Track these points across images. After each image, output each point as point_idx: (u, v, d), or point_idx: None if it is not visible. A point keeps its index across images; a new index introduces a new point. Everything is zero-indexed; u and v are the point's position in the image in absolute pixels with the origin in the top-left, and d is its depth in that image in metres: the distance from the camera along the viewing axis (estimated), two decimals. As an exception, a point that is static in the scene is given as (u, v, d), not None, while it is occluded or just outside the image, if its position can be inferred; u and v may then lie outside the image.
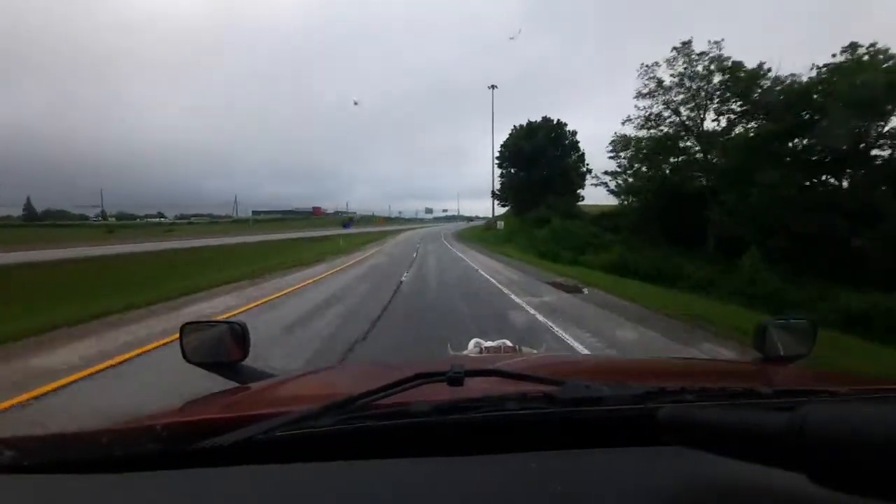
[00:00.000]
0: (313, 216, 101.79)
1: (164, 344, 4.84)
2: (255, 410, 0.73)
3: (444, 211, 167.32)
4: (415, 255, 19.91)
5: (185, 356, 1.16)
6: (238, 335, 1.17)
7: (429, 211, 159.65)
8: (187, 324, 1.22)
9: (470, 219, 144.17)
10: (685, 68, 21.87)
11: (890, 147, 16.08)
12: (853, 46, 17.04)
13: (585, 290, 9.68)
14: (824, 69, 17.41)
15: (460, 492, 0.49)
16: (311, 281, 10.75)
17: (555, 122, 39.42)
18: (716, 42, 20.75)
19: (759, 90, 19.69)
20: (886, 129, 15.83)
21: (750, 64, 20.11)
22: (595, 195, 49.93)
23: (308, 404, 0.60)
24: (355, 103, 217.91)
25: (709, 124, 22.05)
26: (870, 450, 0.30)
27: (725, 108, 21.30)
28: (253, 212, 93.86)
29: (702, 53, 21.22)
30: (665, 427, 0.48)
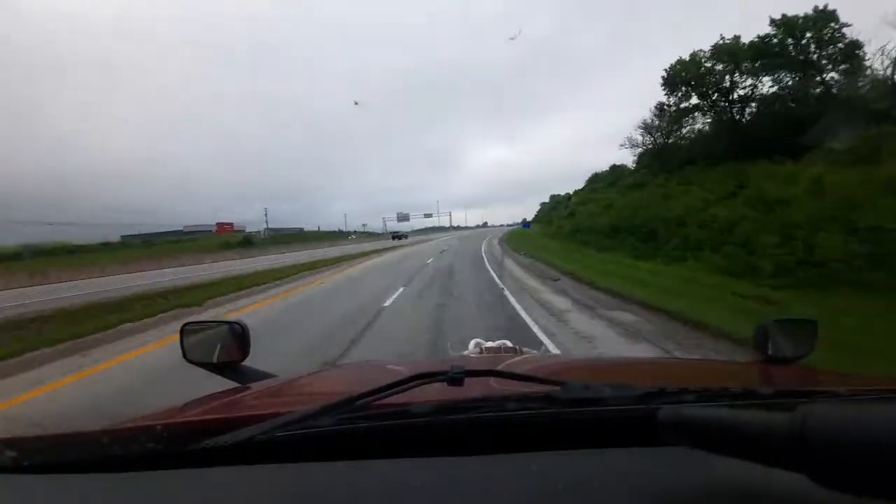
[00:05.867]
0: (217, 235, 70.61)
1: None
2: (255, 411, 0.74)
3: (427, 216, 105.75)
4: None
5: (185, 356, 1.16)
6: (238, 335, 1.17)
7: (403, 218, 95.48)
8: (187, 324, 1.22)
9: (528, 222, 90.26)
10: None
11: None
12: None
13: None
14: None
15: (461, 492, 0.49)
16: None
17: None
18: None
19: None
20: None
21: None
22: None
23: (308, 404, 0.60)
24: (356, 103, 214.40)
25: None
26: (870, 450, 0.30)
27: None
28: (123, 236, 63.54)
29: None
30: (665, 427, 0.48)
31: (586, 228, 22.37)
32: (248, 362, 1.18)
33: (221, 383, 1.10)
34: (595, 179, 42.06)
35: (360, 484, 0.51)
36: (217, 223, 75.82)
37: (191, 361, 1.15)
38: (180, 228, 76.31)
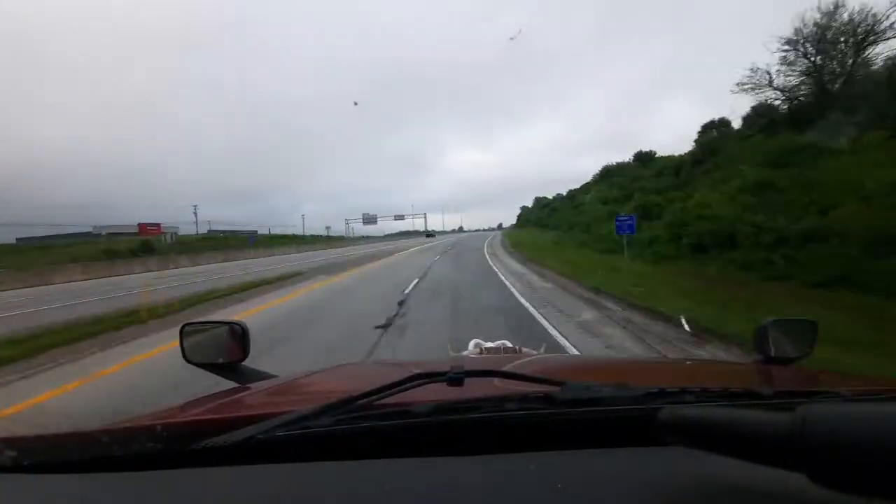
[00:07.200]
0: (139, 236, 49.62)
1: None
2: (255, 410, 0.74)
3: (399, 218, 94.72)
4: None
5: (185, 356, 1.16)
6: (238, 336, 1.18)
7: (369, 220, 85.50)
8: (187, 324, 1.22)
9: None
10: None
11: None
12: None
13: None
14: None
15: (460, 492, 0.49)
16: None
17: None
18: None
19: None
20: None
21: None
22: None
23: (308, 404, 0.60)
24: (355, 104, 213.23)
25: None
26: (870, 450, 0.30)
27: None
28: (18, 239, 47.90)
29: None
30: (665, 427, 0.48)
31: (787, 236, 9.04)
32: (248, 362, 1.18)
33: (222, 383, 1.10)
34: (609, 173, 37.71)
35: (359, 484, 0.51)
36: (139, 223, 57.69)
37: (191, 362, 1.15)
38: (88, 229, 57.02)
